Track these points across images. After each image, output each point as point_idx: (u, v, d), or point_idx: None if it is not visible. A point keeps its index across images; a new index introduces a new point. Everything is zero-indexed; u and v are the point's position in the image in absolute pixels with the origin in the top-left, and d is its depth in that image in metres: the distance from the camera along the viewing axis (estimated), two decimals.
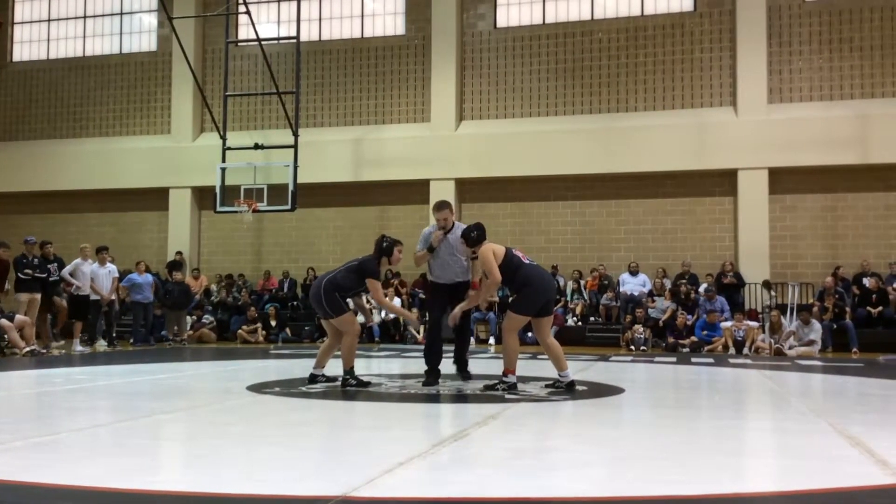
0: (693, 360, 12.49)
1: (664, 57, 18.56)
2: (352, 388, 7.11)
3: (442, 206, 7.65)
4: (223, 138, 17.41)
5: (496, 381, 7.02)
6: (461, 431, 4.67)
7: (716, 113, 18.11)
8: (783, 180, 17.65)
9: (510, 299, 6.97)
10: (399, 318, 17.25)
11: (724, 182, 18.09)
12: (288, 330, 17.81)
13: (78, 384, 7.97)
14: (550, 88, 19.14)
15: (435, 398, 6.76)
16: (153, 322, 16.46)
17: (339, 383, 7.34)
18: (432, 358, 7.63)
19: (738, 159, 17.64)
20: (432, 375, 7.59)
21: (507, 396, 6.51)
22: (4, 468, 3.55)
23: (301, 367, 9.66)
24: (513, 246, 7.31)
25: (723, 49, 18.27)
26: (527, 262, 6.93)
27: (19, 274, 12.92)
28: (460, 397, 6.77)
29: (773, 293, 16.89)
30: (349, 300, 7.57)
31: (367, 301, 7.35)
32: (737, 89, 17.96)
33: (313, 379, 7.56)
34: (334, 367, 7.76)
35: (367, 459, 3.87)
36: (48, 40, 22.65)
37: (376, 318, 16.98)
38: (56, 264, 13.86)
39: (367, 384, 7.31)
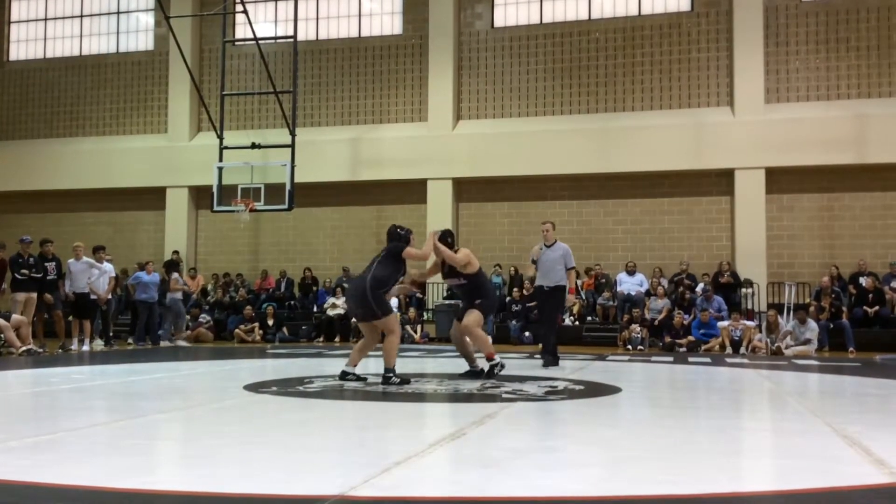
0: (690, 359, 12.50)
1: (661, 57, 18.57)
2: (394, 385, 7.17)
3: (545, 221, 10.27)
4: (220, 138, 17.36)
5: (487, 371, 7.96)
6: (458, 431, 4.67)
7: (713, 113, 18.12)
8: (780, 180, 17.67)
9: (477, 301, 8.12)
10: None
11: (721, 182, 18.10)
12: (285, 329, 17.79)
13: (75, 384, 7.95)
14: (548, 88, 19.14)
15: (432, 397, 6.76)
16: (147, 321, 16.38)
17: (340, 382, 7.40)
18: (547, 346, 9.73)
19: (735, 159, 17.66)
20: (551, 359, 9.48)
21: (505, 396, 6.52)
22: (1, 468, 3.53)
23: (298, 367, 9.66)
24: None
25: (720, 49, 18.29)
26: None
27: (15, 274, 12.89)
28: (457, 397, 6.78)
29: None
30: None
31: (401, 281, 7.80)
32: (734, 89, 17.97)
33: (344, 376, 7.62)
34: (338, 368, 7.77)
35: (365, 459, 3.87)
36: (45, 39, 22.61)
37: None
38: (54, 263, 13.81)
39: (409, 381, 7.43)
